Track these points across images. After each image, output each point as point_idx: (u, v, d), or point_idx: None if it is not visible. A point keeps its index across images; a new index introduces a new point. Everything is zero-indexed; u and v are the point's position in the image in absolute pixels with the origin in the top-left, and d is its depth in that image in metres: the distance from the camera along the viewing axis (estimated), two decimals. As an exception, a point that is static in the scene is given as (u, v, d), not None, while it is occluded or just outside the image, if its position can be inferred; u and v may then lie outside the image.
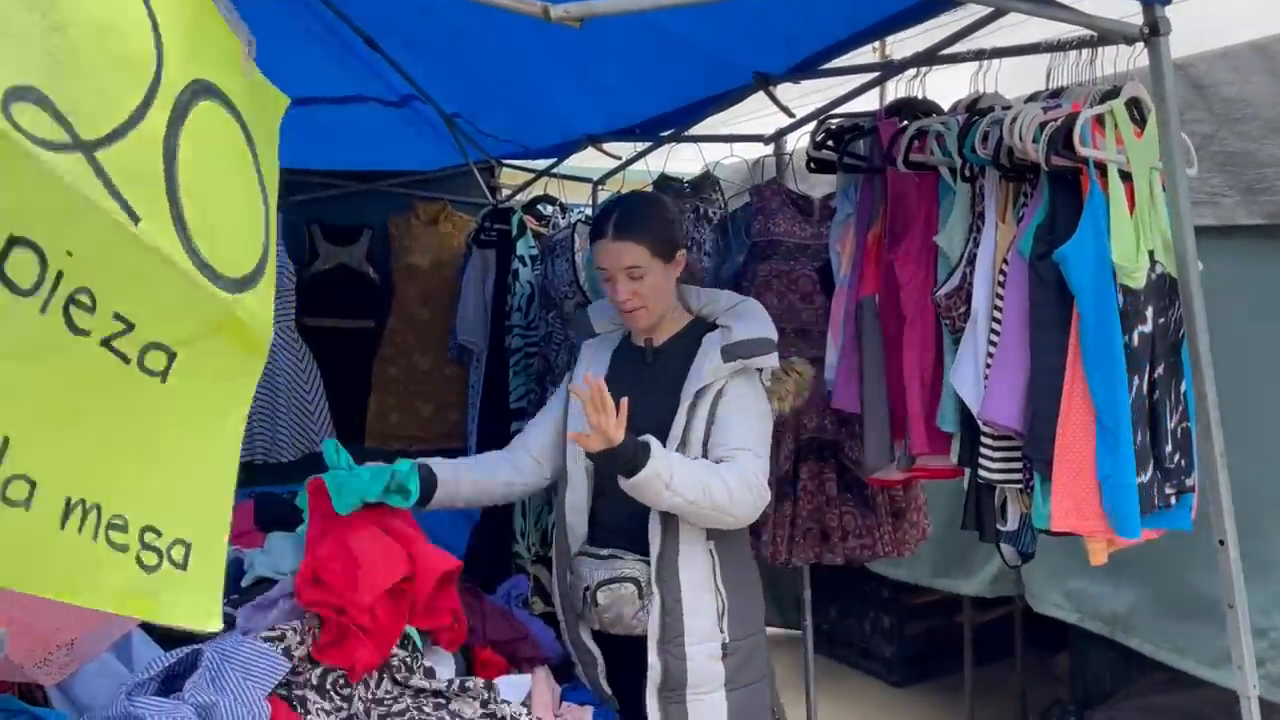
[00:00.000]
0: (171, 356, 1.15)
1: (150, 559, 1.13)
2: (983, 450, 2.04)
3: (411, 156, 4.49)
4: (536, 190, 4.43)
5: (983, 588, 3.53)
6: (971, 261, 2.09)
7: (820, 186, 3.03)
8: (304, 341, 4.27)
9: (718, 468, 2.02)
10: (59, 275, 1.04)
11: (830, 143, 2.44)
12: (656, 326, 2.25)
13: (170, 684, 1.66)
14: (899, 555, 2.80)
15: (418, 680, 1.85)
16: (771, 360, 2.15)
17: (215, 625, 1.12)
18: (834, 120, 2.48)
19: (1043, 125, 1.92)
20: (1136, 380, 1.87)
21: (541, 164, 4.38)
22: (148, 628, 1.84)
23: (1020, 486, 2.04)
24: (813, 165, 2.50)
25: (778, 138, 3.05)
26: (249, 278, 1.26)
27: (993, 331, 2.02)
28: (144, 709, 1.53)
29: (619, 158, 3.77)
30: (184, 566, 1.15)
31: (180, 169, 1.16)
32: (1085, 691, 3.70)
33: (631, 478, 1.94)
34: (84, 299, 1.07)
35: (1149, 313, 1.88)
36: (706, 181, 3.25)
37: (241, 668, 1.68)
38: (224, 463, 1.20)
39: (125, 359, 1.12)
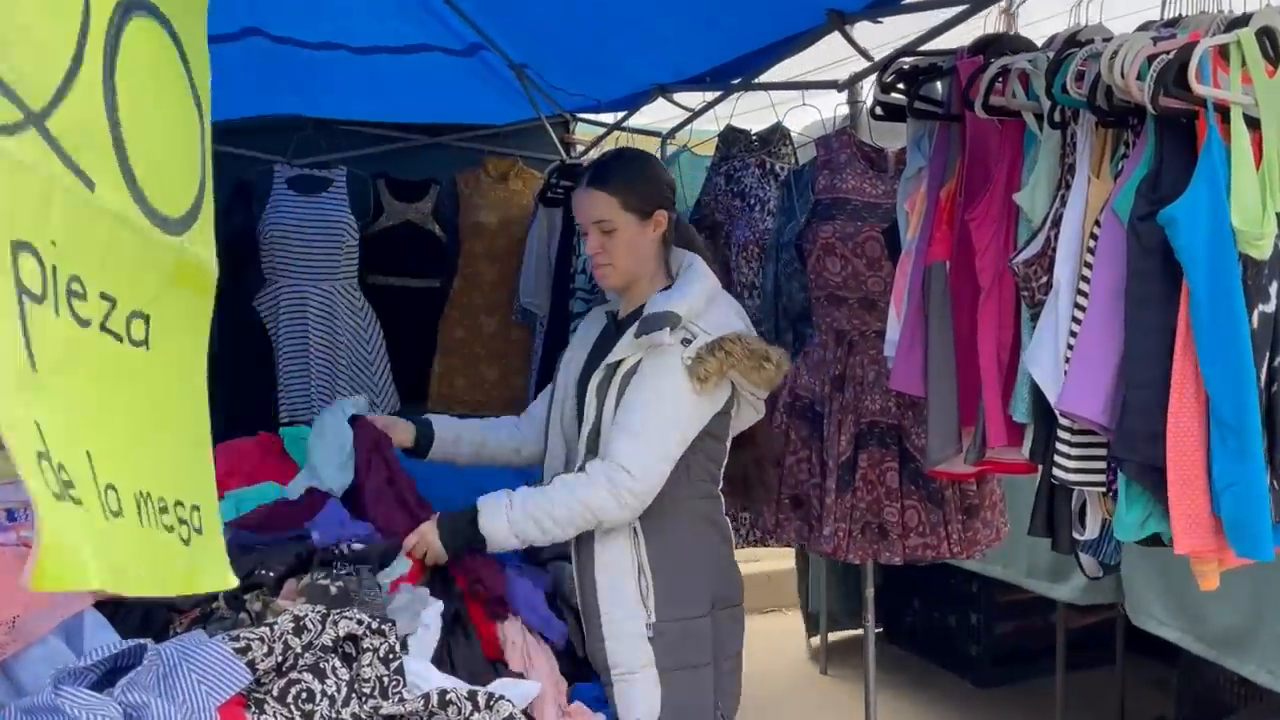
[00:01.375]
0: (147, 320, 1.14)
1: (185, 533, 1.15)
2: (1058, 446, 1.73)
3: (481, 109, 4.32)
4: (608, 146, 4.21)
5: (1076, 594, 3.19)
6: (1057, 223, 1.77)
7: (899, 140, 2.71)
8: (367, 300, 4.14)
9: (573, 486, 1.95)
10: (54, 270, 1.03)
11: (901, 85, 2.13)
12: (630, 291, 2.14)
13: (115, 677, 1.50)
14: (967, 557, 2.49)
15: (390, 708, 1.65)
16: (662, 336, 1.95)
17: (234, 581, 1.16)
18: (907, 61, 2.16)
19: (1151, 59, 1.58)
20: (1256, 370, 1.53)
21: (613, 118, 4.15)
22: (104, 610, 1.70)
23: (1102, 489, 1.72)
24: (880, 111, 2.19)
25: (852, 84, 2.73)
26: (189, 215, 1.20)
27: (1077, 307, 1.70)
28: (66, 701, 1.37)
29: (690, 109, 3.51)
30: (202, 531, 1.17)
31: (121, 113, 1.10)
32: (1194, 709, 3.34)
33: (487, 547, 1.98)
34: (76, 287, 1.06)
35: (1273, 289, 1.54)
36: (776, 135, 2.96)
37: (198, 670, 1.51)
38: (202, 414, 1.20)
39: (119, 337, 1.12)
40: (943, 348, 2.03)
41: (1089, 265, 1.70)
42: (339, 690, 1.63)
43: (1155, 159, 1.62)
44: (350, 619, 1.68)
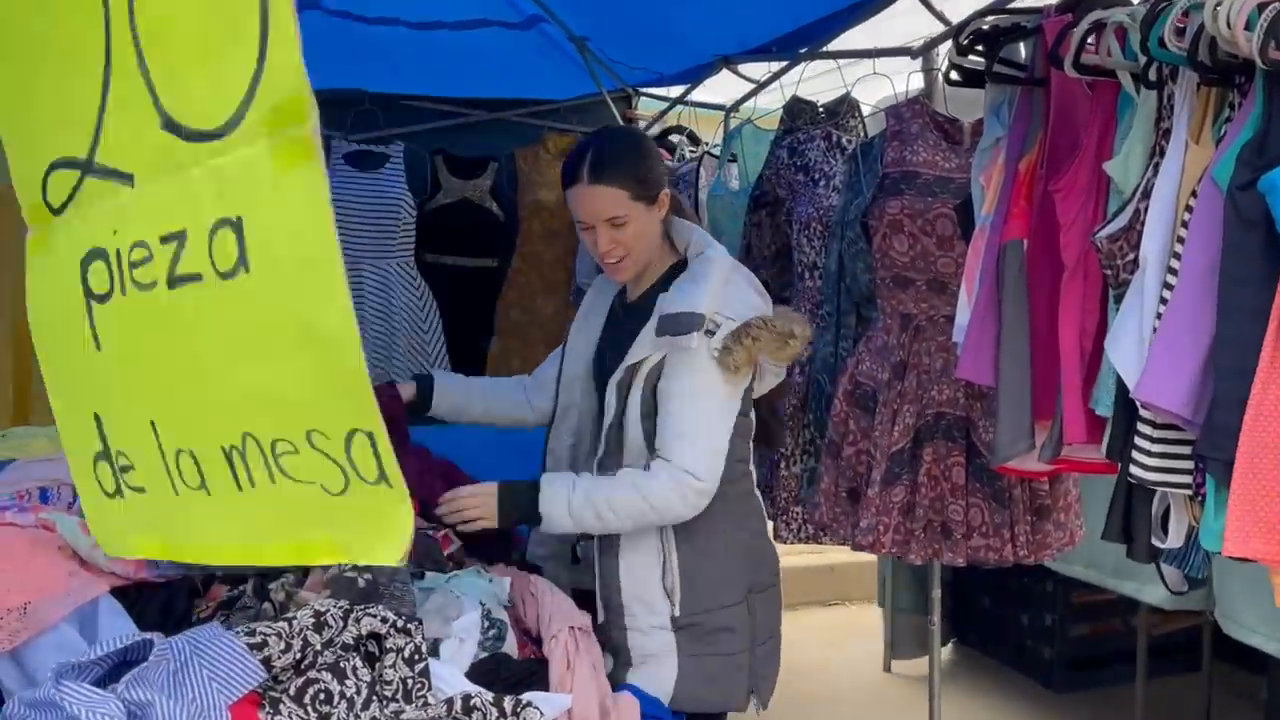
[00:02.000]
0: (239, 230, 1.13)
1: (333, 476, 1.07)
2: (1138, 441, 1.56)
3: (541, 84, 4.23)
4: (670, 122, 4.07)
5: (1165, 599, 2.97)
6: (1149, 194, 1.59)
7: (977, 112, 2.52)
8: (423, 279, 4.07)
9: (638, 480, 1.88)
10: (118, 255, 1.11)
11: (980, 47, 1.95)
12: (641, 275, 2.06)
13: (125, 670, 1.42)
14: (1034, 561, 2.32)
15: (412, 713, 1.55)
16: (691, 341, 1.86)
17: (400, 552, 1.13)
18: (987, 21, 1.99)
19: (1261, 7, 1.40)
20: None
21: (676, 92, 4.02)
22: (127, 594, 1.63)
23: (1189, 493, 1.55)
24: (956, 77, 2.02)
25: (927, 50, 2.55)
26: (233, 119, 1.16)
27: (1166, 286, 1.53)
28: (67, 697, 1.30)
29: (755, 81, 3.35)
30: (359, 471, 1.09)
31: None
32: (1286, 724, 3.12)
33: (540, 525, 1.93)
34: (138, 255, 1.11)
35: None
36: (844, 107, 2.79)
37: (210, 665, 1.43)
38: (346, 325, 1.12)
39: (195, 277, 1.11)
40: (1017, 333, 1.86)
41: (1181, 240, 1.52)
42: (359, 692, 1.53)
43: (1262, 120, 1.44)
44: (374, 616, 1.59)
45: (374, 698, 1.52)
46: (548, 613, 1.92)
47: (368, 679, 1.53)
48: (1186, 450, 1.55)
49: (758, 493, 2.10)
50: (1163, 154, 1.59)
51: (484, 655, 1.74)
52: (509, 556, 2.19)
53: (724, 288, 1.91)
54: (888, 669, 4.40)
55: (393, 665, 1.57)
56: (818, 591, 5.25)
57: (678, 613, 1.93)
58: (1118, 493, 1.68)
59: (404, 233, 4.00)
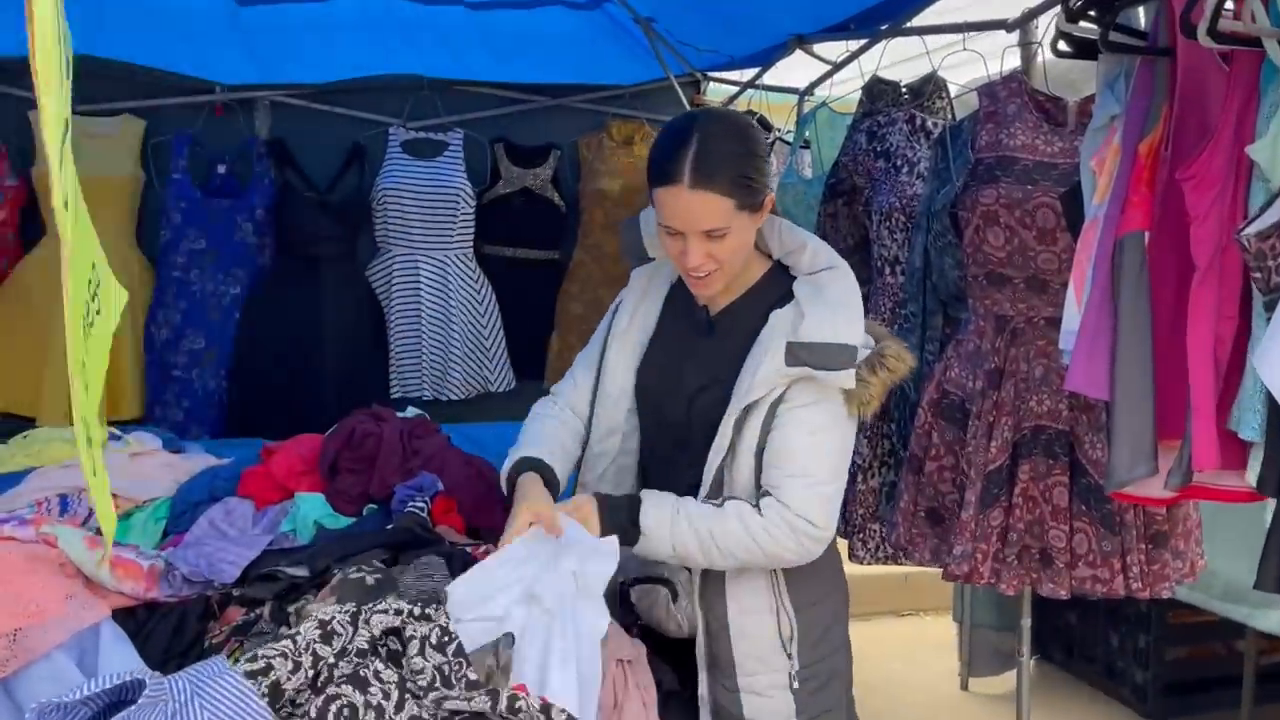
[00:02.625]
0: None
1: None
2: (1302, 476, 1.32)
3: (606, 69, 4.08)
4: (740, 107, 3.86)
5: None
6: (1307, 183, 1.35)
7: (1080, 91, 2.27)
8: (482, 271, 3.93)
9: (746, 517, 1.64)
10: (94, 286, 1.32)
11: (1093, 13, 1.71)
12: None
13: (120, 709, 1.28)
14: (1152, 595, 2.06)
15: (457, 700, 1.39)
16: (846, 379, 1.62)
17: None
18: (1102, -16, 1.75)
19: None
20: None
21: (746, 76, 3.82)
22: (134, 619, 1.49)
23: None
24: (1064, 47, 1.78)
25: (1026, 21, 2.30)
26: None
27: (1335, 292, 1.29)
28: (43, 746, 1.15)
29: (831, 62, 3.13)
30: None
31: None
32: None
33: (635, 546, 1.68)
34: (92, 289, 1.30)
35: None
36: (929, 86, 2.55)
37: (211, 707, 1.27)
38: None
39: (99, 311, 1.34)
40: (1137, 339, 1.62)
41: (1351, 238, 1.28)
42: (388, 696, 1.38)
43: None
44: (385, 611, 1.43)
45: (408, 695, 1.36)
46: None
47: (395, 679, 1.38)
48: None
49: None
50: (1323, 134, 1.35)
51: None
52: None
53: (862, 318, 1.67)
54: (965, 687, 4.16)
55: (419, 653, 1.41)
56: (891, 601, 5.02)
57: (797, 666, 1.73)
58: (1274, 534, 1.43)
59: (462, 223, 3.88)
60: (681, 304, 1.82)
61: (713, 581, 1.73)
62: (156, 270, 3.61)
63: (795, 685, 1.72)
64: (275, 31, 3.52)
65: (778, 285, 1.73)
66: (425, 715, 1.38)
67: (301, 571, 1.55)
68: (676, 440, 1.77)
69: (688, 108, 4.06)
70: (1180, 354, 1.56)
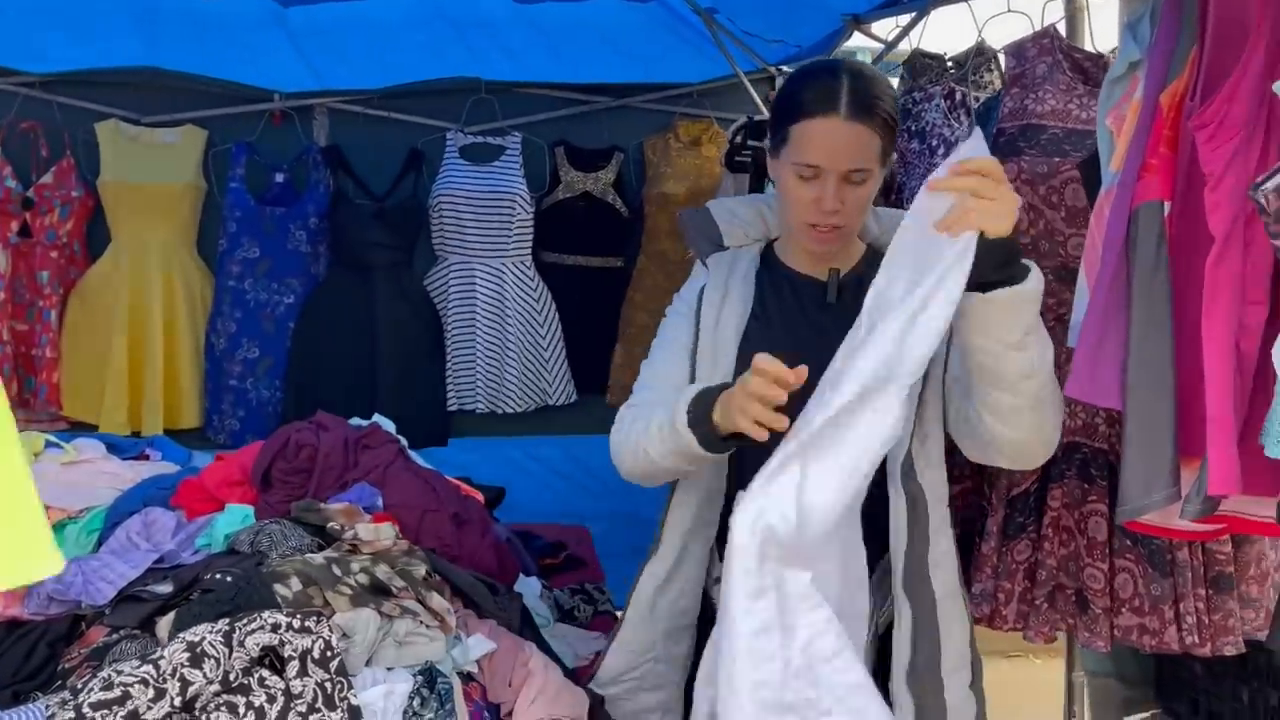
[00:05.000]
0: None
1: None
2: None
3: (672, 67, 3.89)
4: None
5: None
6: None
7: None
8: (541, 279, 3.78)
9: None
10: None
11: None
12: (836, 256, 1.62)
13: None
14: (1214, 651, 1.70)
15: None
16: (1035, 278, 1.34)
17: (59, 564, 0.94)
18: (1126, -94, 1.44)
19: None
20: None
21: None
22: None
23: None
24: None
25: (1068, -29, 1.98)
26: None
27: (1368, 260, 0.97)
28: None
29: (884, 41, 2.85)
30: None
31: None
32: None
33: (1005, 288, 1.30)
34: None
35: None
36: (974, 56, 2.24)
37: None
38: None
39: None
40: (1154, 334, 1.30)
41: (1396, 188, 0.95)
42: (267, 713, 1.24)
43: None
44: (262, 627, 1.28)
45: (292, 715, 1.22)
46: (532, 693, 1.54)
47: (280, 700, 1.24)
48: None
49: None
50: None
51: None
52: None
53: None
54: (1072, 741, 3.72)
55: (300, 674, 1.26)
56: (997, 641, 4.59)
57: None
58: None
59: (520, 229, 3.75)
60: (777, 282, 1.65)
61: (915, 562, 1.51)
62: (215, 279, 3.62)
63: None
64: (324, 34, 3.51)
65: (877, 263, 1.47)
66: None
67: (165, 588, 1.40)
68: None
69: (761, 106, 3.82)
70: (1205, 352, 1.24)
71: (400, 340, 3.69)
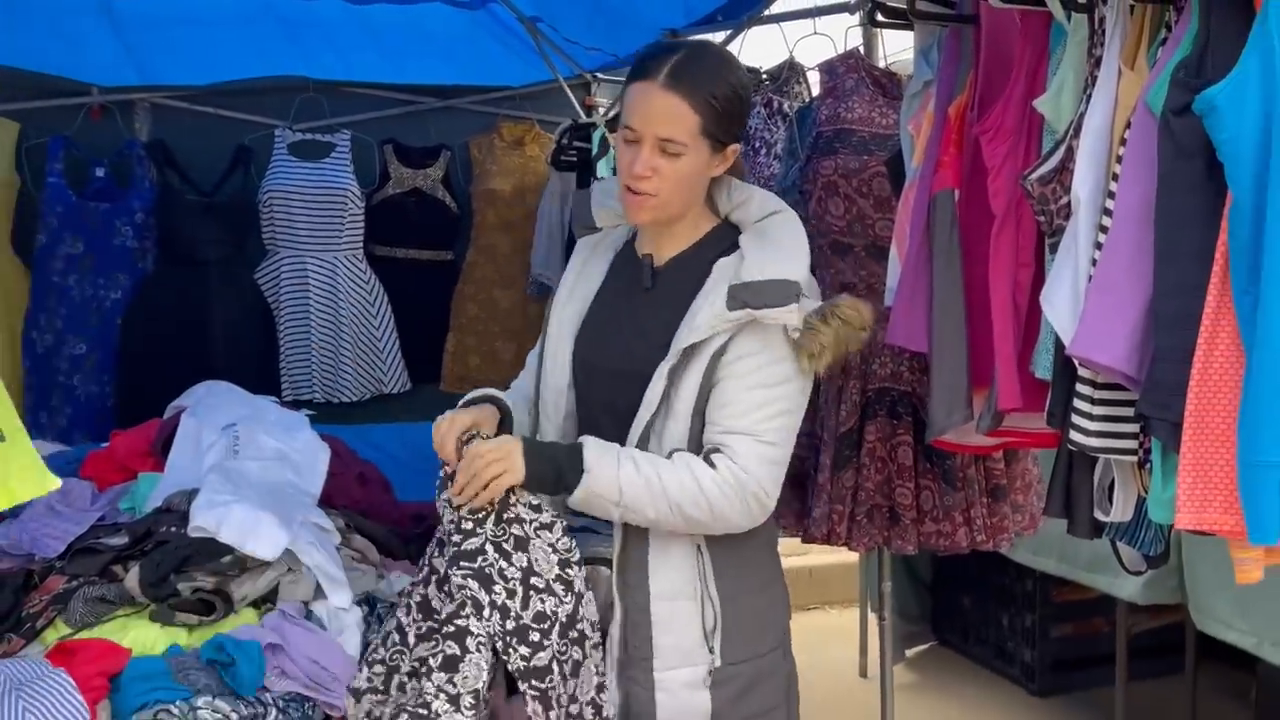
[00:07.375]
0: None
1: None
2: (1077, 404, 1.40)
3: (495, 70, 4.10)
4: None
5: (1136, 592, 2.79)
6: (1081, 131, 1.43)
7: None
8: (374, 272, 3.91)
9: (695, 467, 1.52)
10: None
11: (904, -16, 1.79)
12: (664, 232, 1.65)
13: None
14: (992, 547, 2.14)
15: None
16: (789, 315, 1.51)
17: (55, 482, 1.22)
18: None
19: (1194, -91, 1.24)
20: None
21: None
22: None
23: (1133, 459, 1.38)
24: (879, 16, 1.86)
25: (867, 2, 2.39)
26: None
27: (1100, 229, 1.37)
28: None
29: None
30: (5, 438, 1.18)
31: None
32: (1276, 723, 2.94)
33: (571, 494, 1.53)
34: None
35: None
36: (786, 71, 2.63)
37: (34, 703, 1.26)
38: None
39: None
40: (949, 292, 1.70)
41: (1116, 178, 1.36)
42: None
43: (1200, 37, 1.28)
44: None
45: None
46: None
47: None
48: (1131, 412, 1.39)
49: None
50: (1094, 83, 1.43)
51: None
52: None
53: (807, 257, 1.58)
54: (864, 674, 4.22)
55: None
56: (797, 597, 5.06)
57: (718, 662, 1.58)
58: (1059, 462, 1.51)
59: (351, 224, 3.87)
60: (625, 265, 1.71)
61: (634, 560, 1.58)
62: (34, 276, 3.54)
63: (711, 684, 1.57)
64: (151, 28, 3.47)
65: (725, 238, 1.64)
66: None
67: (121, 540, 1.54)
68: (607, 406, 1.64)
69: (580, 110, 4.11)
70: (989, 303, 1.64)
71: (233, 333, 3.71)
